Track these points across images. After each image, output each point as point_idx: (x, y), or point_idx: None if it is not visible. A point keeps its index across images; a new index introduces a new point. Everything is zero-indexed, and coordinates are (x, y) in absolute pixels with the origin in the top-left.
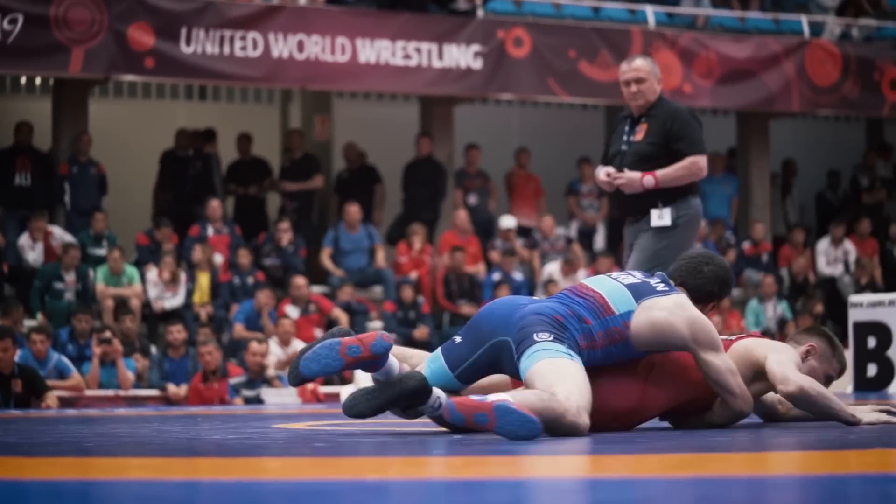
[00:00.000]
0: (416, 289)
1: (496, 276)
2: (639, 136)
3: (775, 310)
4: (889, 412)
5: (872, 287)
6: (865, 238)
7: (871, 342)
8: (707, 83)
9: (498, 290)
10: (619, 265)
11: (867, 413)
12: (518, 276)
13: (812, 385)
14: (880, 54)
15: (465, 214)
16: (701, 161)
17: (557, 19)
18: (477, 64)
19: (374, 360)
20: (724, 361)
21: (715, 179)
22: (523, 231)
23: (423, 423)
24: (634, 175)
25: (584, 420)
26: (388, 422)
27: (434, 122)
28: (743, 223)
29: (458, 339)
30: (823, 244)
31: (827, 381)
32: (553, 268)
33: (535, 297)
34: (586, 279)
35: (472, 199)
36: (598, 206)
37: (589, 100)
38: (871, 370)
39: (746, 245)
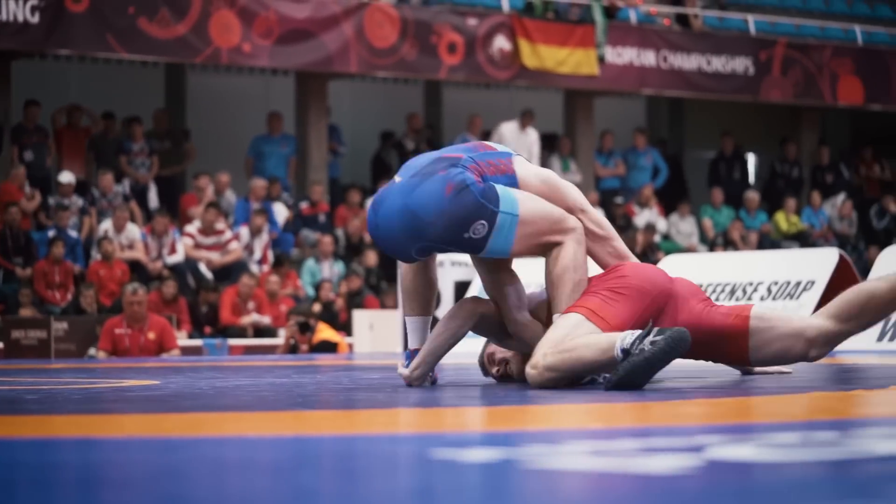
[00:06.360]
0: None
1: (51, 232)
2: None
3: (332, 269)
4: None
5: None
6: None
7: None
8: (266, 43)
9: (53, 246)
10: (176, 223)
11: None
12: (73, 232)
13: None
14: (438, 18)
15: (21, 170)
16: None
17: None
18: (34, 18)
19: None
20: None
21: (273, 140)
22: (83, 188)
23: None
24: None
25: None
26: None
27: None
28: (300, 184)
29: None
30: None
31: None
32: (108, 224)
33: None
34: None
35: (29, 156)
36: (149, 164)
37: (148, 57)
38: None
39: (304, 205)
